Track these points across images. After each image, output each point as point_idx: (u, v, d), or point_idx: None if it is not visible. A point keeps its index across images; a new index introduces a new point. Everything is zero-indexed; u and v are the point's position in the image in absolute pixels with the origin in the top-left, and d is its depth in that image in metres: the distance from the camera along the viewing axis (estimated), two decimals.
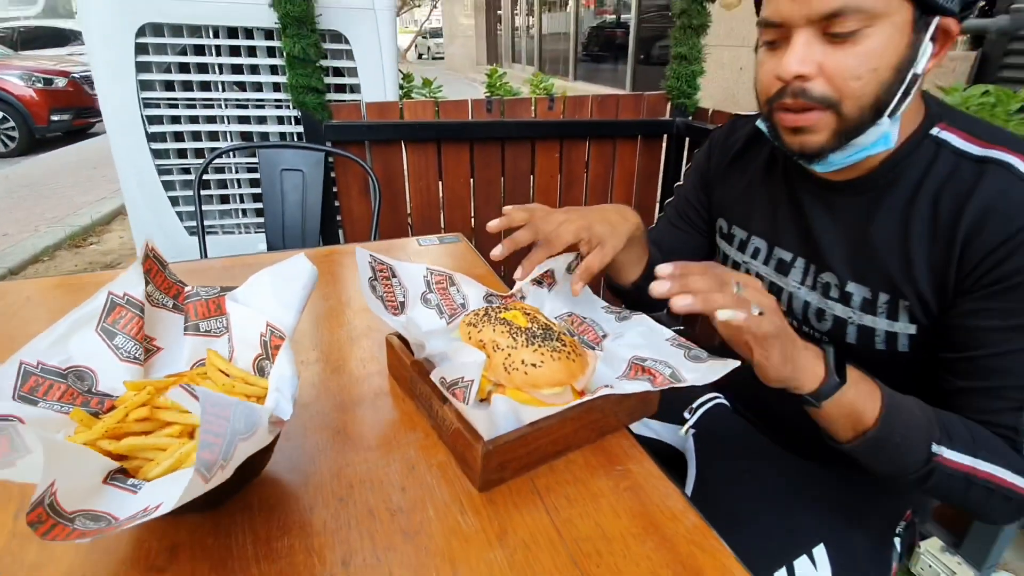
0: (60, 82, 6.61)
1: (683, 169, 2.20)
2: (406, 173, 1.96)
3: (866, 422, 0.58)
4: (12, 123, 6.32)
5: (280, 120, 1.97)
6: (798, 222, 0.74)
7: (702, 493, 0.77)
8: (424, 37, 23.67)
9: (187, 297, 0.61)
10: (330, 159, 1.83)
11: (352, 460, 0.59)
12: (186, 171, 1.99)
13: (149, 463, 0.47)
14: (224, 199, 2.06)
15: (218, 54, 1.85)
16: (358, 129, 1.83)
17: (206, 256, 1.70)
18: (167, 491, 0.41)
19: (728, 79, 4.97)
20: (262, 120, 1.96)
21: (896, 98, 0.58)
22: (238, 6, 1.78)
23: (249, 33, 1.84)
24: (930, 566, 1.34)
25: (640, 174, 2.23)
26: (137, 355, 0.56)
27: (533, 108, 2.00)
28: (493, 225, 0.72)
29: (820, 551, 0.67)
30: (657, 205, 2.31)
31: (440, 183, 1.99)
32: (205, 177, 1.84)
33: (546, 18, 11.38)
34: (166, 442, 0.48)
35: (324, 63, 1.77)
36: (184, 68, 1.86)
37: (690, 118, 2.12)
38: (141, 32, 1.76)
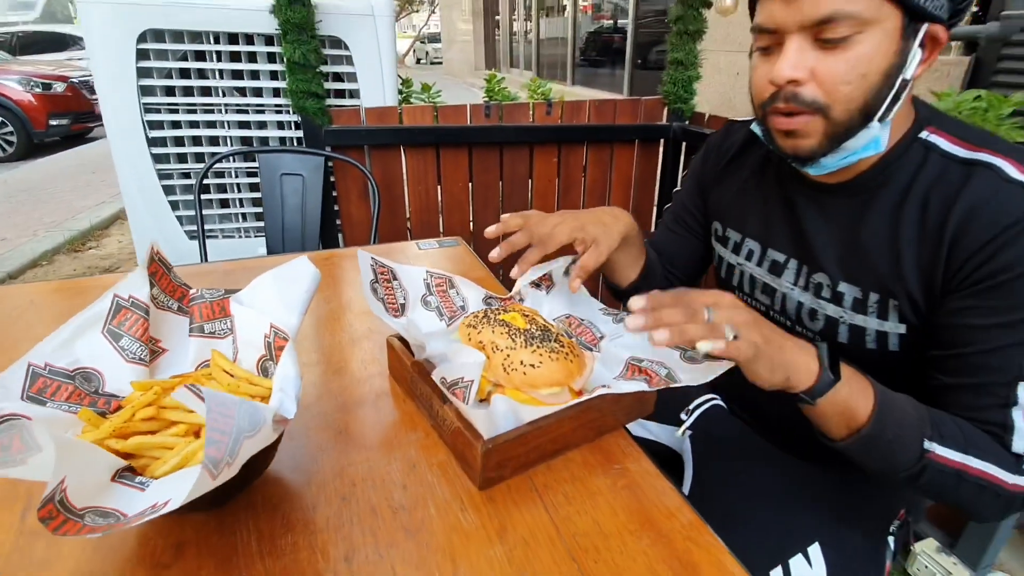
0: (59, 87, 6.62)
1: (680, 173, 2.22)
2: (405, 177, 1.97)
3: (859, 419, 0.59)
4: (10, 128, 6.33)
5: (280, 125, 1.99)
6: (791, 224, 0.75)
7: (699, 493, 0.78)
8: (422, 42, 23.77)
9: (192, 299, 0.62)
10: (330, 163, 1.85)
11: (354, 459, 0.60)
12: (186, 176, 2.00)
13: (156, 461, 0.48)
14: (224, 203, 2.07)
15: (219, 60, 1.87)
16: (357, 134, 1.84)
17: (206, 260, 1.71)
18: (175, 488, 0.42)
19: (725, 84, 4.99)
20: (262, 125, 1.97)
21: (886, 103, 0.60)
22: (239, 12, 1.80)
23: (249, 39, 1.86)
24: (926, 567, 1.35)
25: (637, 178, 2.24)
26: (143, 356, 0.57)
27: (531, 113, 2.01)
28: (491, 231, 0.75)
29: (815, 550, 0.68)
30: (654, 209, 2.33)
31: (439, 187, 2.00)
32: (205, 181, 1.85)
33: (544, 23, 11.44)
34: (172, 441, 0.49)
35: (324, 69, 1.79)
36: (185, 74, 1.88)
37: (687, 123, 2.14)
38: (142, 38, 1.77)
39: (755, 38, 0.65)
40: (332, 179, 1.90)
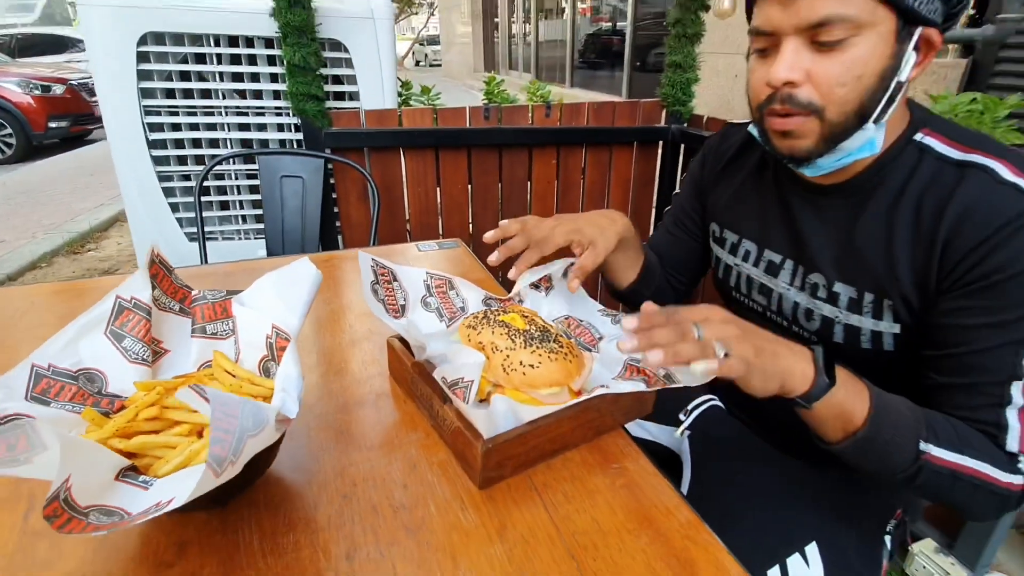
0: (58, 89, 6.63)
1: (678, 175, 2.23)
2: (405, 179, 1.97)
3: (856, 422, 0.59)
4: (9, 130, 6.33)
5: (280, 127, 1.99)
6: (787, 225, 0.76)
7: (697, 493, 0.79)
8: (421, 44, 23.80)
9: (194, 300, 0.63)
10: (329, 166, 1.85)
11: (355, 459, 0.61)
12: (186, 178, 2.01)
13: (159, 461, 0.49)
14: (224, 205, 2.08)
15: (219, 62, 1.88)
16: (357, 136, 1.85)
17: (206, 262, 1.72)
18: (178, 487, 0.43)
19: (723, 86, 5.01)
20: (262, 127, 1.98)
21: (881, 105, 0.61)
22: (239, 15, 1.81)
23: (250, 42, 1.87)
24: (924, 567, 1.36)
25: (636, 180, 2.25)
26: (145, 357, 0.57)
27: (530, 115, 2.02)
28: (489, 236, 0.76)
29: (812, 549, 0.69)
30: (653, 211, 2.34)
31: (438, 189, 2.01)
32: (205, 183, 1.85)
33: (543, 25, 11.47)
34: (175, 440, 0.50)
35: (324, 71, 1.79)
36: (185, 76, 1.89)
37: (685, 125, 2.15)
38: (143, 41, 1.78)
39: (752, 40, 0.66)
40: (332, 181, 1.91)
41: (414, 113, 1.91)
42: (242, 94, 1.94)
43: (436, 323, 0.75)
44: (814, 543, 0.69)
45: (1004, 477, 0.59)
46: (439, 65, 20.55)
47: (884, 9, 0.57)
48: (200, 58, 1.87)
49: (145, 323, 0.57)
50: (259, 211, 2.05)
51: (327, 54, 1.87)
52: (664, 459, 0.86)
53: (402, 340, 0.73)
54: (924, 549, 1.37)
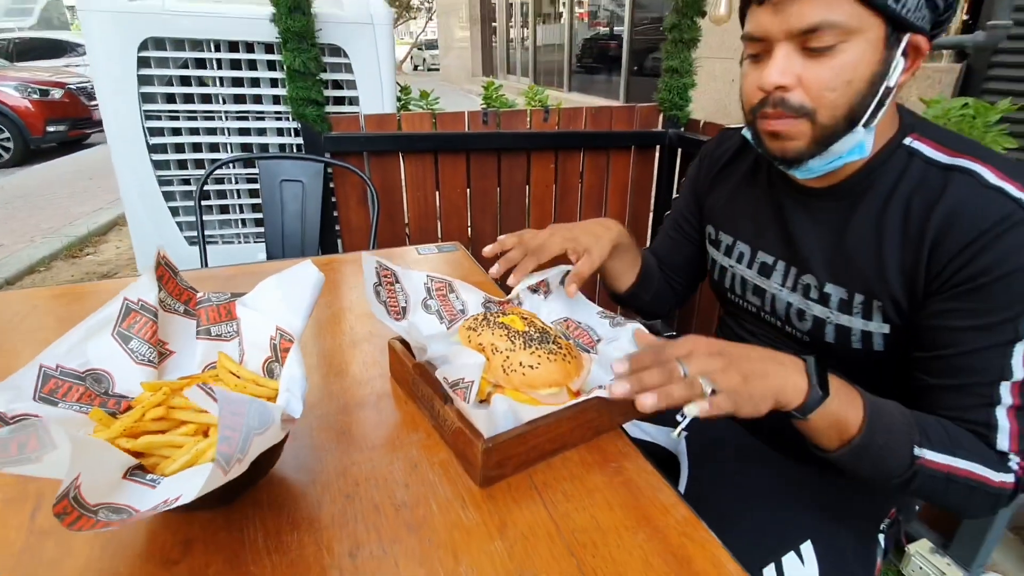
0: (56, 93, 6.64)
1: (675, 179, 2.24)
2: (404, 183, 1.99)
3: (851, 430, 0.59)
4: (7, 134, 6.34)
5: (280, 132, 2.01)
6: (780, 227, 0.77)
7: (694, 493, 0.80)
8: (420, 49, 23.88)
9: (199, 302, 0.64)
10: (329, 170, 1.86)
11: (357, 459, 0.62)
12: (186, 182, 2.02)
13: (165, 460, 0.50)
14: (224, 209, 2.09)
15: (219, 67, 1.89)
16: (357, 140, 1.86)
17: (206, 265, 1.72)
18: (185, 484, 0.44)
19: (720, 91, 5.04)
20: (262, 132, 1.99)
21: (870, 109, 0.62)
22: (239, 21, 1.82)
23: (250, 47, 1.88)
24: (920, 567, 1.37)
25: (634, 184, 2.27)
26: (151, 358, 0.58)
27: (529, 120, 2.04)
28: (488, 250, 0.80)
29: (807, 547, 0.70)
30: (651, 214, 2.35)
31: (437, 193, 2.02)
32: (205, 187, 1.86)
33: (541, 30, 11.52)
34: (181, 440, 0.51)
35: (323, 76, 1.81)
36: (185, 81, 1.90)
37: (682, 129, 2.16)
38: (143, 46, 1.80)
39: (745, 46, 0.67)
40: (331, 185, 1.92)
41: (413, 118, 1.93)
42: (242, 99, 1.95)
43: (436, 325, 0.76)
44: (809, 542, 0.70)
45: (996, 476, 0.60)
46: (437, 69, 20.61)
47: (873, 16, 0.59)
48: (200, 63, 1.88)
49: (152, 325, 0.58)
50: (258, 215, 2.06)
51: (327, 59, 1.89)
52: (661, 459, 0.87)
53: (403, 342, 0.74)
54: (920, 550, 1.38)
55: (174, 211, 2.01)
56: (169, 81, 1.89)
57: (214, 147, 1.99)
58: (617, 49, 8.28)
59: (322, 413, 0.69)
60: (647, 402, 0.54)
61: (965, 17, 2.96)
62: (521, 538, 0.52)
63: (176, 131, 1.94)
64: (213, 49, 1.86)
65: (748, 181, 0.84)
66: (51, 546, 0.51)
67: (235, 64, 1.90)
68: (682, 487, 0.81)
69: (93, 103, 6.97)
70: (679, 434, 0.81)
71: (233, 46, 1.87)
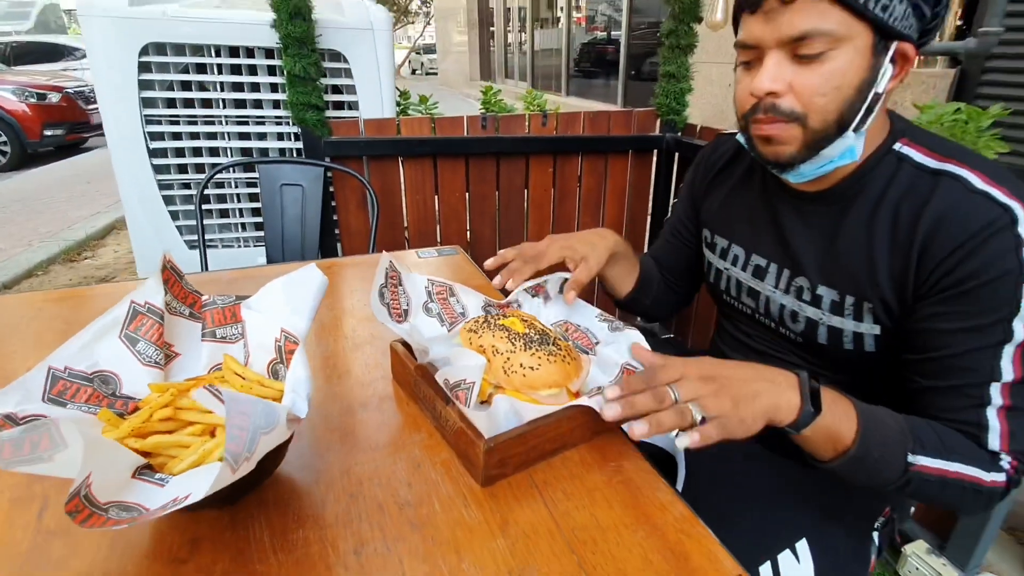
0: (53, 97, 6.64)
1: (673, 183, 2.26)
2: (403, 188, 2.00)
3: (845, 442, 0.60)
4: (4, 138, 6.34)
5: (280, 136, 2.02)
6: (774, 230, 0.79)
7: (691, 492, 0.80)
8: (418, 53, 23.95)
9: (204, 305, 0.65)
10: (329, 174, 1.88)
11: (360, 459, 0.63)
12: (186, 186, 2.03)
13: (173, 460, 0.51)
14: (224, 213, 2.10)
15: (220, 72, 1.90)
16: (356, 145, 1.88)
17: (207, 269, 1.73)
18: (194, 483, 0.45)
19: (717, 95, 5.07)
20: (262, 136, 2.01)
21: (859, 115, 0.64)
22: (239, 26, 1.84)
23: (250, 52, 1.90)
24: (916, 568, 1.38)
25: (632, 188, 2.29)
26: (158, 360, 0.59)
27: (527, 124, 2.05)
28: (489, 263, 0.83)
29: (802, 546, 0.71)
30: (649, 218, 2.37)
31: (436, 197, 2.04)
32: (205, 191, 1.88)
33: (538, 35, 11.56)
34: (189, 440, 0.52)
35: (323, 81, 1.82)
36: (186, 86, 1.91)
37: (679, 134, 2.18)
38: (144, 51, 1.81)
39: (738, 53, 0.69)
40: (331, 189, 1.93)
41: (412, 122, 1.94)
42: (242, 104, 1.96)
43: (438, 328, 0.77)
44: (804, 540, 0.71)
45: (988, 476, 0.61)
46: (435, 74, 20.66)
47: (861, 24, 0.60)
48: (201, 68, 1.90)
49: (158, 327, 0.59)
50: (258, 219, 2.07)
51: (327, 64, 1.90)
52: (659, 459, 0.88)
53: (405, 344, 0.75)
54: (916, 550, 1.39)
55: (174, 215, 2.02)
56: (170, 86, 1.90)
57: (214, 151, 2.00)
58: (615, 54, 8.32)
59: (325, 414, 0.70)
60: (638, 430, 0.55)
61: (959, 22, 2.99)
62: (522, 536, 0.53)
63: (176, 135, 1.95)
64: (214, 54, 1.87)
65: (743, 185, 0.86)
66: (58, 546, 0.51)
67: (235, 69, 1.92)
68: (679, 486, 0.82)
69: (90, 107, 6.99)
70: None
71: (234, 51, 1.89)
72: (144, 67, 1.83)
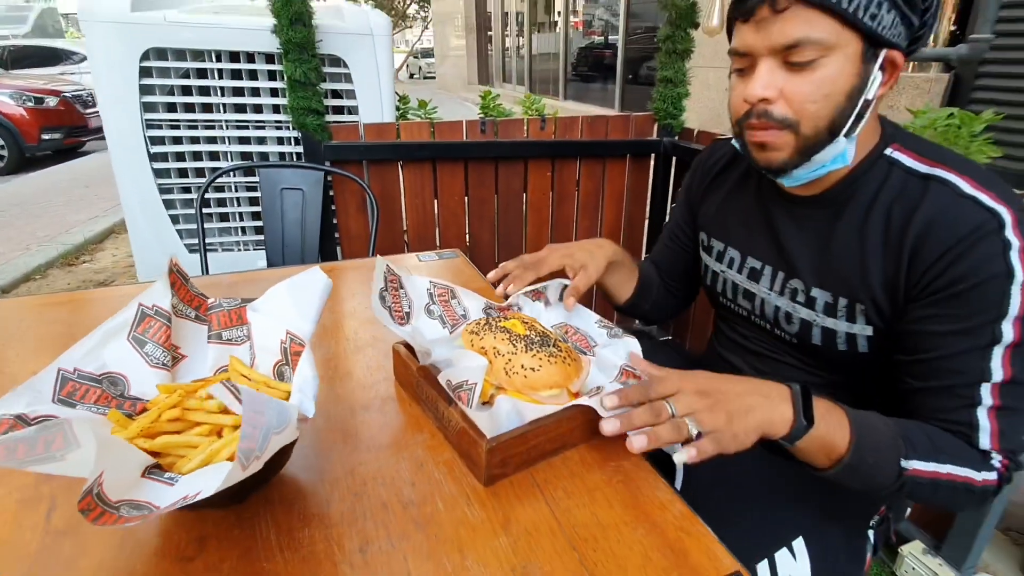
0: (51, 101, 6.64)
1: (670, 186, 2.28)
2: (402, 191, 2.01)
3: (839, 451, 0.62)
4: (2, 142, 6.33)
5: (280, 140, 2.03)
6: (769, 234, 0.81)
7: (689, 492, 0.81)
8: (415, 57, 24.02)
9: (210, 308, 0.66)
10: (329, 178, 1.89)
11: (364, 459, 0.64)
12: (186, 190, 2.04)
13: (181, 459, 0.52)
14: (224, 217, 2.11)
15: (220, 77, 1.91)
16: (356, 149, 1.89)
17: (207, 273, 1.74)
18: (204, 481, 0.46)
19: (714, 99, 5.10)
20: (262, 140, 2.02)
21: (850, 121, 0.65)
22: (240, 32, 1.85)
23: (250, 57, 1.91)
24: (913, 568, 1.39)
25: (630, 192, 2.30)
26: (165, 362, 0.60)
27: (526, 129, 2.07)
28: (492, 276, 0.86)
29: (799, 544, 0.72)
30: (646, 222, 2.38)
31: (435, 201, 2.05)
32: (205, 195, 1.88)
33: (536, 39, 11.60)
34: (196, 440, 0.53)
35: (324, 86, 1.83)
36: (187, 90, 1.92)
37: (676, 138, 2.20)
38: (145, 56, 1.82)
39: (732, 60, 0.71)
40: (331, 193, 1.94)
41: (412, 127, 1.96)
42: (242, 108, 1.98)
43: (439, 330, 0.78)
44: (801, 538, 0.72)
45: (979, 476, 0.62)
46: (433, 77, 20.71)
47: (850, 33, 0.62)
48: (202, 73, 1.91)
49: (166, 329, 0.60)
50: (258, 223, 2.08)
51: (327, 69, 1.92)
52: (658, 459, 0.90)
53: (407, 346, 0.76)
54: (913, 551, 1.40)
55: (174, 219, 2.03)
56: (170, 91, 1.91)
57: (214, 155, 2.01)
58: (612, 58, 8.35)
59: (329, 415, 0.71)
60: (636, 444, 0.57)
61: (953, 28, 3.03)
62: (524, 534, 0.54)
63: (177, 140, 1.96)
64: (214, 59, 1.89)
65: (739, 189, 0.87)
66: (68, 546, 0.52)
67: (236, 74, 1.93)
68: (678, 485, 0.83)
69: (88, 111, 6.99)
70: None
71: (234, 56, 1.90)
72: (145, 72, 1.84)
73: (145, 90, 1.86)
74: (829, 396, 0.64)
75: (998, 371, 0.61)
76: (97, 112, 7.03)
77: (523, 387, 0.64)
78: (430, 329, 0.77)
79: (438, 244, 2.11)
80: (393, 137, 1.92)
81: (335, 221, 1.99)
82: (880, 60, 0.64)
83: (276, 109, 1.98)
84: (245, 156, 2.02)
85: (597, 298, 2.29)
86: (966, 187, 0.63)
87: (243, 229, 2.13)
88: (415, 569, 0.50)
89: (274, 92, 1.96)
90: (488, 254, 2.20)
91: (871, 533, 0.80)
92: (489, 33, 14.35)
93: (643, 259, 1.06)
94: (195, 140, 1.97)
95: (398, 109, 2.23)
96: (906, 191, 0.67)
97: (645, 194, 2.34)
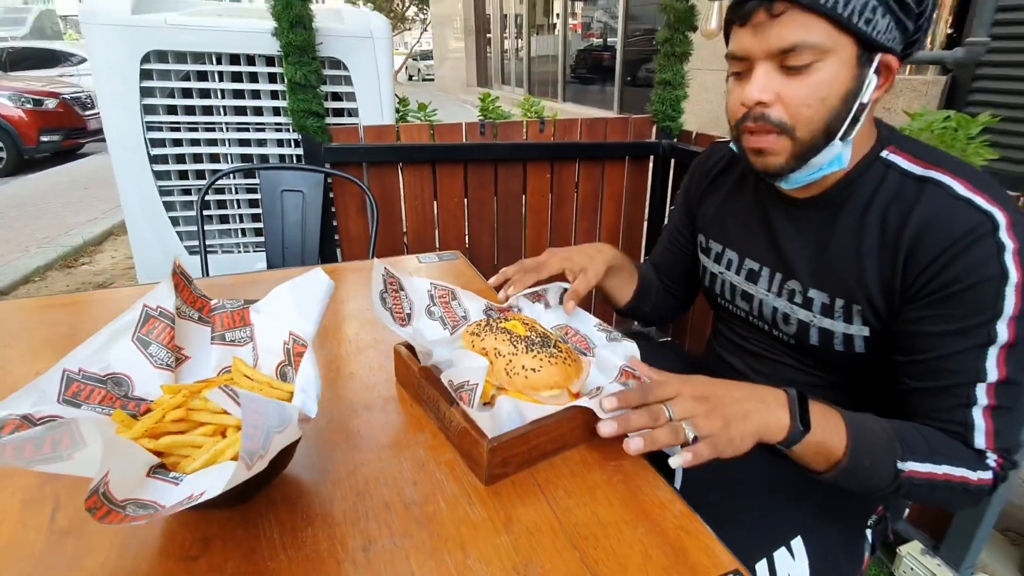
0: (50, 103, 6.64)
1: (669, 188, 2.29)
2: (402, 193, 2.02)
3: (836, 454, 0.62)
4: (0, 144, 6.32)
5: (280, 143, 2.03)
6: (767, 235, 0.81)
7: (689, 492, 0.82)
8: (414, 59, 24.05)
9: (213, 309, 0.66)
10: (329, 180, 1.89)
11: (366, 459, 0.64)
12: (187, 192, 2.04)
13: (185, 459, 0.52)
14: (224, 219, 2.11)
15: (220, 80, 1.92)
16: (356, 151, 1.89)
17: (207, 275, 1.74)
18: (208, 481, 0.46)
19: (712, 101, 5.12)
20: (262, 142, 2.02)
21: (845, 124, 0.66)
22: (240, 35, 1.86)
23: (251, 60, 1.91)
24: (911, 568, 1.39)
25: (628, 194, 2.31)
26: (169, 362, 0.61)
27: (525, 131, 2.07)
28: (493, 281, 0.87)
29: (798, 543, 0.73)
30: (645, 223, 2.39)
31: (435, 203, 2.05)
32: (206, 197, 1.89)
33: (535, 41, 11.63)
34: (200, 440, 0.53)
35: (324, 88, 1.84)
36: (187, 93, 1.93)
37: (675, 140, 2.21)
38: (146, 59, 1.82)
39: (729, 64, 0.71)
40: (331, 195, 1.95)
41: (412, 129, 1.96)
42: (243, 110, 1.98)
43: (440, 331, 0.79)
44: (799, 537, 0.73)
45: (975, 475, 0.63)
46: (432, 79, 20.74)
47: (845, 37, 0.63)
48: (202, 75, 1.91)
49: (170, 330, 0.61)
50: (258, 224, 2.09)
51: (327, 72, 1.92)
52: (657, 459, 0.90)
53: (408, 347, 0.76)
54: (911, 551, 1.41)
55: (174, 220, 2.03)
56: (171, 93, 1.91)
57: (215, 157, 2.02)
58: (611, 60, 8.38)
59: (331, 416, 0.72)
60: (633, 447, 0.58)
61: (950, 31, 3.04)
62: (526, 532, 0.55)
63: (177, 142, 1.97)
64: (215, 62, 1.89)
65: (737, 191, 0.88)
66: (72, 546, 0.52)
67: (236, 76, 1.93)
68: (677, 484, 0.83)
69: (87, 113, 6.99)
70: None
71: (234, 59, 1.91)
72: (146, 74, 1.85)
73: (146, 92, 1.86)
74: (827, 397, 0.65)
75: (993, 371, 0.62)
76: (96, 114, 7.05)
77: (524, 387, 0.65)
78: (431, 330, 0.78)
79: (437, 246, 2.12)
80: (393, 139, 1.93)
81: (335, 223, 2.00)
82: (875, 64, 0.65)
83: (276, 111, 1.98)
84: (245, 158, 2.03)
85: (597, 302, 2.30)
86: (961, 189, 0.64)
87: (243, 231, 2.13)
88: (418, 567, 0.51)
89: (274, 94, 1.97)
90: (487, 256, 2.20)
91: (869, 532, 0.81)
92: (488, 35, 14.37)
93: (643, 261, 1.07)
94: (195, 142, 1.97)
95: (398, 111, 2.23)
96: (902, 193, 0.68)
97: (644, 196, 2.35)
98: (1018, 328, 0.61)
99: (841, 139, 0.67)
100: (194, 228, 2.02)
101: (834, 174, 0.72)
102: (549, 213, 2.22)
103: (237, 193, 2.07)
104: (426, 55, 23.60)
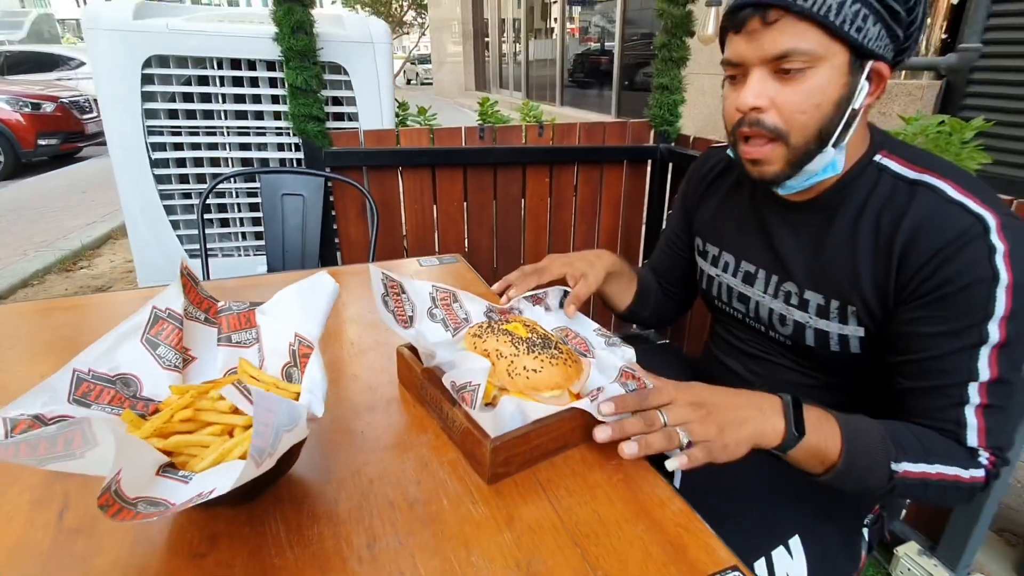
0: (48, 107, 6.64)
1: (667, 192, 2.30)
2: (402, 197, 2.03)
3: (831, 458, 0.64)
4: None
5: (280, 147, 2.05)
6: (763, 238, 0.83)
7: (688, 491, 0.83)
8: (413, 63, 24.12)
9: (220, 311, 0.67)
10: (329, 184, 1.90)
11: (370, 459, 0.65)
12: (187, 195, 2.05)
13: (194, 458, 0.53)
14: (224, 222, 2.12)
15: (221, 84, 1.93)
16: (356, 155, 1.91)
17: (208, 278, 1.75)
18: (217, 479, 0.47)
19: (710, 105, 5.15)
20: (262, 147, 2.03)
21: (838, 130, 0.68)
22: (242, 40, 1.87)
23: (252, 64, 1.93)
24: (908, 569, 1.41)
25: (626, 198, 2.33)
26: (177, 363, 0.62)
27: (524, 135, 2.09)
28: (496, 288, 0.89)
29: (795, 542, 0.74)
30: (643, 227, 2.41)
31: (435, 207, 2.07)
32: (207, 201, 1.90)
33: (533, 45, 11.68)
34: (208, 440, 0.54)
35: (324, 93, 1.85)
36: (188, 97, 1.94)
37: (673, 144, 2.23)
38: (147, 63, 1.83)
39: (725, 70, 0.73)
40: (331, 199, 1.96)
41: (411, 133, 1.98)
42: (244, 115, 1.99)
43: (442, 333, 0.80)
44: (797, 536, 0.74)
45: (967, 473, 0.64)
46: (430, 84, 20.79)
47: (837, 45, 0.64)
48: (203, 80, 1.92)
49: (178, 332, 0.62)
50: (258, 228, 2.09)
51: (327, 76, 1.93)
52: (657, 459, 0.91)
53: (411, 348, 0.77)
54: (908, 552, 1.42)
55: (175, 224, 2.04)
56: (172, 97, 1.93)
57: (215, 161, 2.03)
58: (608, 64, 8.42)
59: (334, 417, 0.73)
60: (628, 451, 0.60)
61: (944, 36, 3.07)
62: (528, 530, 0.56)
63: (178, 146, 1.98)
64: (216, 66, 1.90)
65: (733, 195, 0.90)
66: (81, 544, 0.53)
67: (237, 81, 1.95)
68: (676, 484, 0.85)
69: (85, 117, 6.99)
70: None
71: (235, 64, 1.92)
72: (147, 79, 1.86)
73: (147, 97, 1.87)
74: (823, 397, 0.66)
75: (985, 371, 0.63)
76: (94, 118, 7.05)
77: (525, 388, 0.66)
78: (433, 332, 0.79)
79: (437, 249, 2.13)
80: (393, 143, 1.94)
81: (335, 227, 2.01)
82: (867, 71, 0.66)
83: (277, 116, 2.00)
84: (246, 162, 2.04)
85: (596, 307, 2.31)
86: (953, 192, 0.66)
87: (243, 235, 2.14)
88: (422, 565, 0.52)
89: (275, 99, 1.98)
90: (487, 259, 2.21)
91: (866, 531, 0.82)
92: (486, 39, 14.42)
93: (641, 266, 1.09)
94: (196, 146, 1.98)
95: (398, 116, 2.25)
96: (895, 196, 0.70)
97: (642, 200, 2.36)
98: (1009, 328, 0.62)
99: (834, 145, 0.69)
100: (194, 231, 2.03)
101: (829, 178, 0.73)
102: (548, 217, 2.24)
103: (238, 197, 2.08)
104: (424, 59, 23.68)
